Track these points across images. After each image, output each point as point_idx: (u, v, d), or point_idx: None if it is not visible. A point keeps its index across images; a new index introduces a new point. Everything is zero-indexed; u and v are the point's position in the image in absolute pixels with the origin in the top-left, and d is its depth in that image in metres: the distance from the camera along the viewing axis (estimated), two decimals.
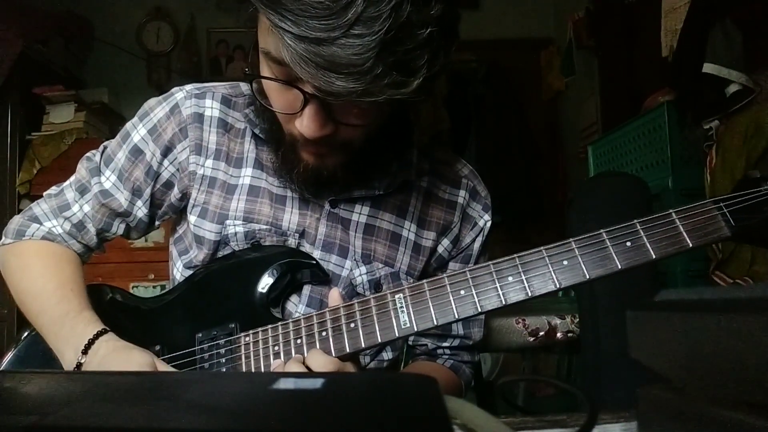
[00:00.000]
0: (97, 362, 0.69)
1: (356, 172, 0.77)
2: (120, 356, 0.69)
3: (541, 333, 1.40)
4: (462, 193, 0.88)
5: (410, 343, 0.92)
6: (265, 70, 0.65)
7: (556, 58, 3.65)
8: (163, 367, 0.70)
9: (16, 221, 0.86)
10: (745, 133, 1.59)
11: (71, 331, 0.73)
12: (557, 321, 1.40)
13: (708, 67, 1.65)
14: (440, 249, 0.87)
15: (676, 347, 0.31)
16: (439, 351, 0.91)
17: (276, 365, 0.68)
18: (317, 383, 0.34)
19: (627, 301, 0.41)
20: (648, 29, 2.39)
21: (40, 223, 0.84)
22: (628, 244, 0.61)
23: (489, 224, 0.90)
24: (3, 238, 0.86)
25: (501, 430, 0.38)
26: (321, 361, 0.64)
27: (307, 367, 0.65)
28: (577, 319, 1.37)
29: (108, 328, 0.73)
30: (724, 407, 0.27)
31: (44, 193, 0.88)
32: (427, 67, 0.57)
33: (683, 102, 1.86)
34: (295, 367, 0.65)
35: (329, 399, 0.32)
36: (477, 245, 0.89)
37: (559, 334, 1.40)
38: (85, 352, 0.70)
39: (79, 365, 0.70)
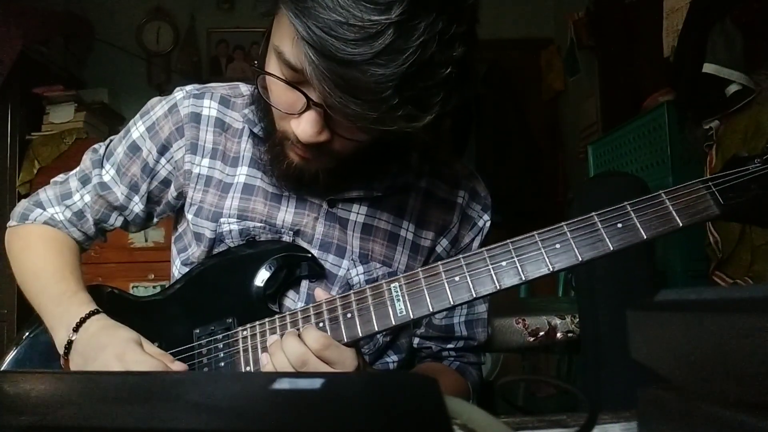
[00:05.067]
0: (87, 339, 0.72)
1: (351, 178, 0.78)
2: (107, 333, 0.71)
3: (541, 333, 1.40)
4: (461, 193, 0.88)
5: (415, 345, 0.92)
6: (272, 64, 0.64)
7: (556, 58, 3.65)
8: (148, 347, 0.71)
9: (22, 205, 0.90)
10: (745, 133, 1.59)
11: (66, 310, 0.75)
12: (557, 321, 1.40)
13: (708, 67, 1.65)
14: (439, 249, 0.87)
15: (676, 347, 0.31)
16: (444, 353, 0.91)
17: (272, 340, 0.69)
18: (317, 383, 0.34)
19: (627, 301, 0.41)
20: (648, 29, 2.39)
21: (44, 209, 0.88)
22: (620, 225, 0.62)
23: (488, 224, 0.90)
24: (10, 220, 0.91)
25: (501, 430, 0.38)
26: (314, 335, 0.65)
27: (303, 342, 0.65)
28: (577, 319, 1.37)
29: (100, 309, 0.76)
30: (724, 407, 0.27)
31: (51, 180, 0.92)
32: (441, 105, 0.58)
33: (683, 102, 1.86)
34: (291, 339, 0.65)
35: (329, 399, 0.32)
36: (476, 245, 0.89)
37: (559, 334, 1.40)
38: (76, 330, 0.73)
39: (69, 342, 0.73)
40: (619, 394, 1.12)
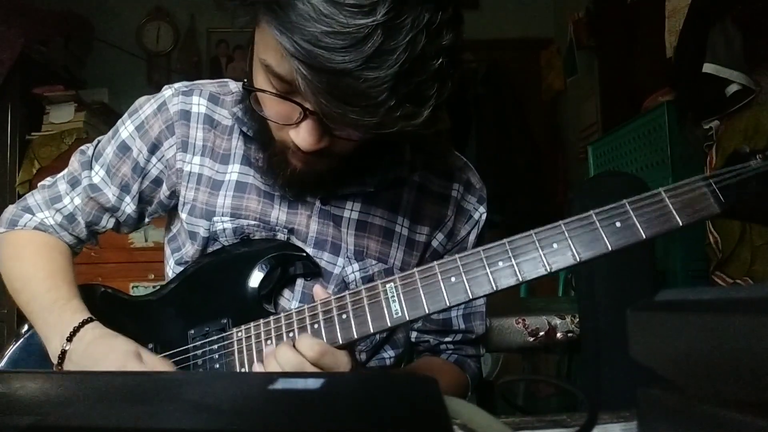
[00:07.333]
0: (82, 349, 0.70)
1: (343, 174, 0.77)
2: (104, 343, 0.70)
3: (541, 333, 1.40)
4: (456, 186, 0.87)
5: (413, 339, 0.92)
6: (261, 78, 0.64)
7: (556, 58, 3.65)
8: (146, 355, 0.70)
9: (10, 211, 0.88)
10: (745, 133, 1.59)
11: (59, 318, 0.74)
12: (557, 321, 1.40)
13: (708, 67, 1.65)
14: (435, 243, 0.87)
15: (676, 347, 0.31)
16: (442, 346, 0.91)
17: (268, 351, 0.68)
18: (317, 383, 0.34)
19: (627, 301, 0.41)
20: (648, 29, 2.39)
21: (33, 214, 0.86)
22: (618, 224, 0.60)
23: (484, 216, 0.89)
24: None
25: (501, 430, 0.38)
26: (308, 343, 0.64)
27: (298, 351, 0.65)
28: (577, 319, 1.37)
29: (94, 317, 0.74)
30: (724, 407, 0.27)
31: (38, 184, 0.90)
32: (436, 97, 0.57)
33: (683, 102, 1.87)
34: (286, 350, 0.64)
35: (329, 399, 0.32)
36: (472, 238, 0.88)
37: (559, 334, 1.40)
38: (70, 339, 0.72)
39: (63, 352, 0.72)
40: (619, 394, 1.12)
